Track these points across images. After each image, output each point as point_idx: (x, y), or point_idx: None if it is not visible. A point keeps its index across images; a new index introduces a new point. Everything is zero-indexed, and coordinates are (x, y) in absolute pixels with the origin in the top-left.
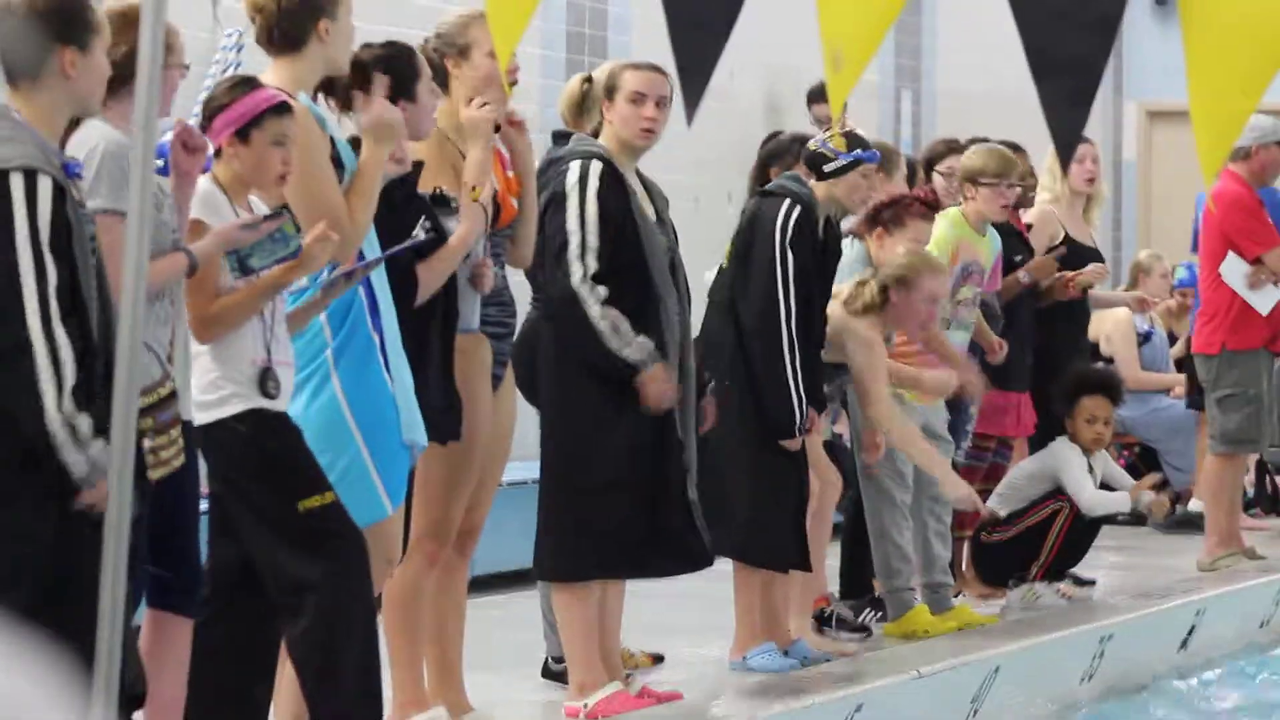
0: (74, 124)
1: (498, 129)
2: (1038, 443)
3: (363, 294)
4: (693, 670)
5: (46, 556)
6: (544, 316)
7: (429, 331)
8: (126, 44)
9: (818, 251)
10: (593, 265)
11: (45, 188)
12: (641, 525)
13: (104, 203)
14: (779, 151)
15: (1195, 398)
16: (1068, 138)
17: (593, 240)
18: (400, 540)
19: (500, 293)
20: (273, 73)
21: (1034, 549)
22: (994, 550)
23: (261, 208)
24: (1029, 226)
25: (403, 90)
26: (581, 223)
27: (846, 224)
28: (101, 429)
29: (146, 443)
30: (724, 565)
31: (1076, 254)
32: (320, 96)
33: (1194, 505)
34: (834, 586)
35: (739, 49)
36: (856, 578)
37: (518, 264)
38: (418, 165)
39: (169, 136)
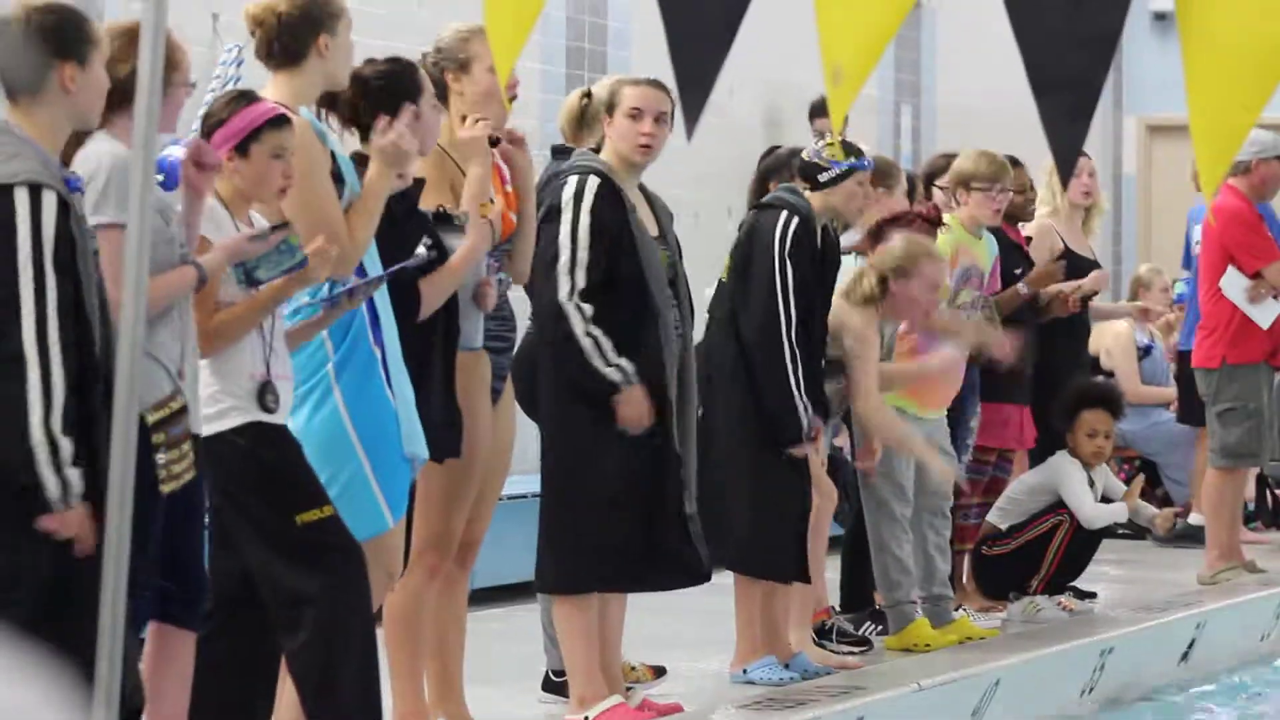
0: (79, 140)
1: (495, 144)
2: (1038, 456)
3: (364, 308)
4: (693, 683)
5: (46, 569)
6: (535, 327)
7: (431, 348)
8: (132, 61)
9: (816, 262)
10: (581, 281)
11: (50, 203)
12: (639, 540)
13: (112, 217)
14: (778, 166)
15: (1184, 412)
16: (1067, 153)
17: (583, 255)
18: (401, 554)
19: (500, 307)
20: (273, 87)
21: (1035, 562)
22: (995, 563)
23: (261, 222)
24: (1028, 240)
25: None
26: (573, 238)
27: (848, 239)
28: (93, 451)
29: (159, 457)
30: (724, 579)
31: (1076, 266)
32: (321, 113)
33: (1194, 519)
34: (834, 599)
35: (738, 64)
36: (857, 590)
37: (515, 279)
38: (419, 181)
39: (170, 151)
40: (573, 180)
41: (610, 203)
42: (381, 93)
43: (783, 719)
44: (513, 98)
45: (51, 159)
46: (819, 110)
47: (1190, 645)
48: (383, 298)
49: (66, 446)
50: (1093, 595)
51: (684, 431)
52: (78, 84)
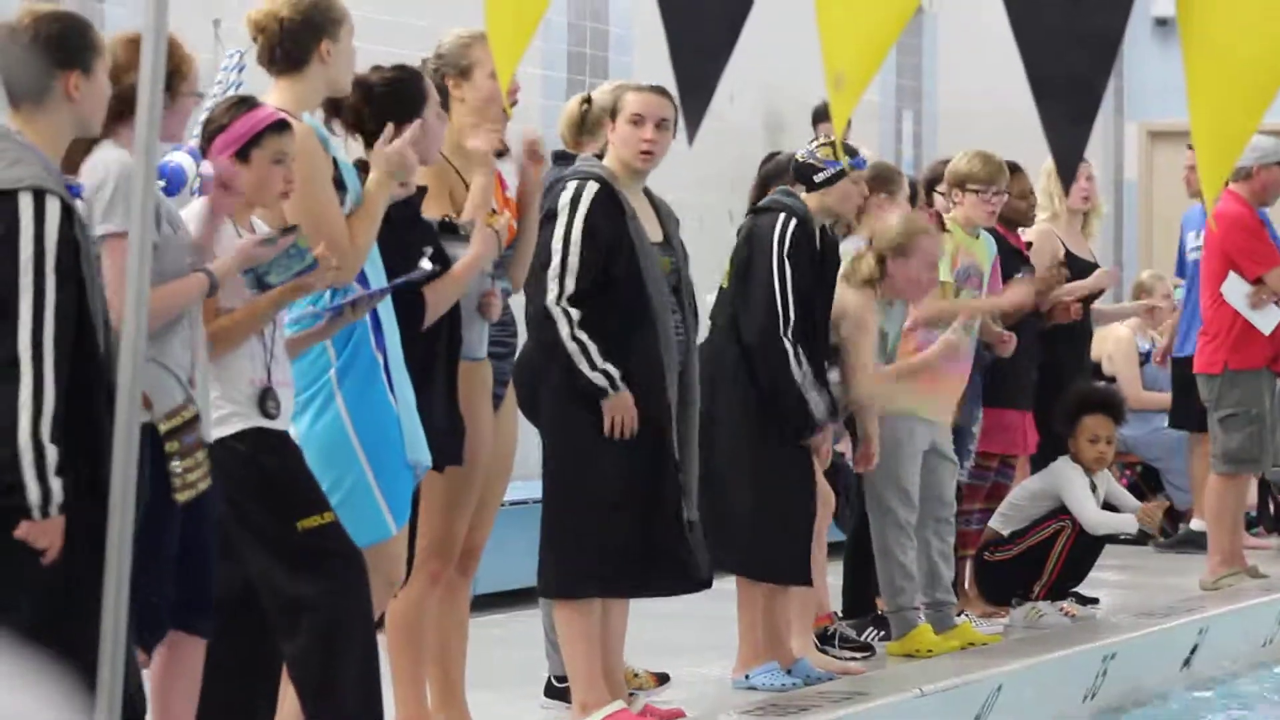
0: (87, 148)
1: (501, 155)
2: (1040, 461)
3: (367, 315)
4: (695, 689)
5: (47, 575)
6: (529, 332)
7: (434, 356)
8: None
9: (816, 263)
10: (570, 287)
11: (54, 208)
12: (638, 544)
13: (119, 225)
14: (779, 171)
15: (1177, 416)
16: (1069, 158)
17: (573, 261)
18: (404, 561)
19: (502, 313)
20: (275, 93)
21: (1037, 568)
22: (997, 569)
23: (263, 227)
24: (1029, 245)
25: (410, 115)
26: (565, 243)
27: (851, 244)
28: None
29: (173, 466)
30: (726, 584)
31: (1078, 270)
32: (329, 122)
33: (1196, 524)
34: (837, 605)
35: (739, 69)
36: (859, 596)
37: (512, 286)
38: (421, 189)
39: (172, 157)
40: (571, 186)
41: (607, 209)
42: (386, 100)
43: None
44: (514, 103)
45: (53, 165)
46: (822, 115)
47: (1193, 651)
48: (385, 305)
49: (53, 454)
50: (1095, 601)
51: (685, 437)
52: (81, 92)
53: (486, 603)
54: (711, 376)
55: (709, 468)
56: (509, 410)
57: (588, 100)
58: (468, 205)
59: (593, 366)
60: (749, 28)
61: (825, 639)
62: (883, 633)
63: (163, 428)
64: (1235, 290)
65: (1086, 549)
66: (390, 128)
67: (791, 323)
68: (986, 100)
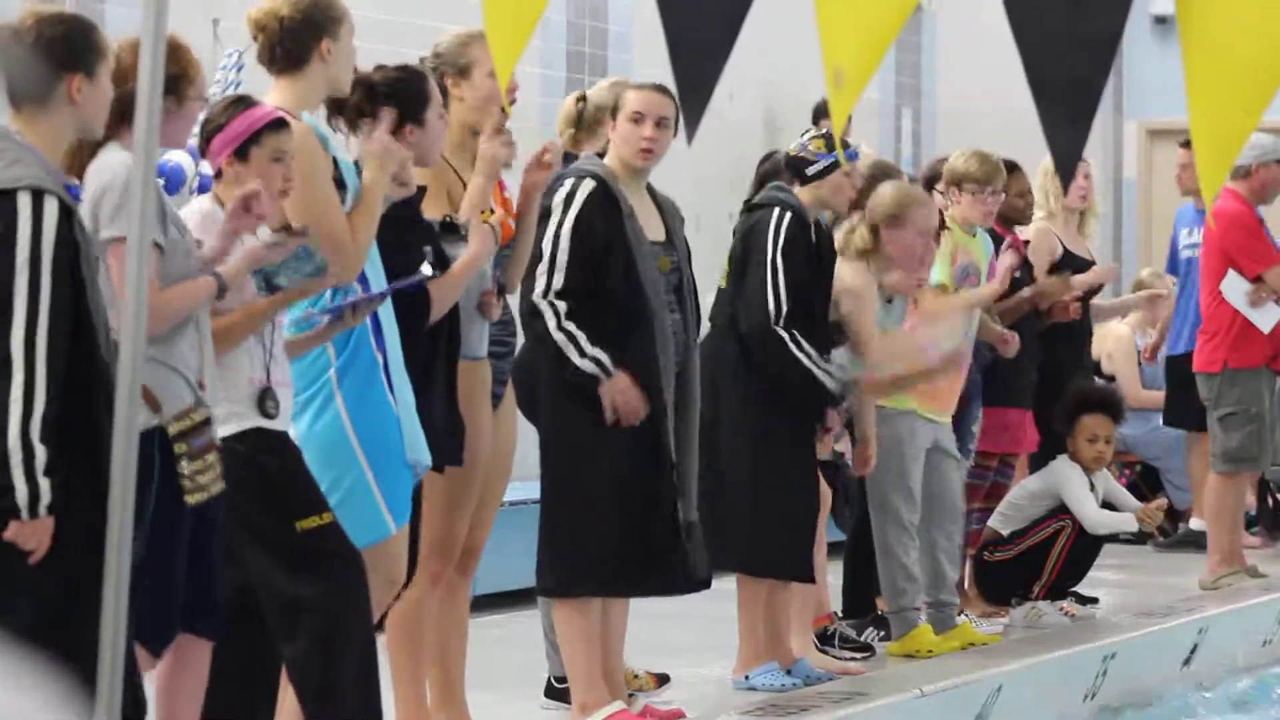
0: (93, 150)
1: (507, 166)
2: (1041, 460)
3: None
4: (695, 689)
5: (46, 578)
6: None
7: (434, 355)
8: None
9: (813, 256)
10: (558, 282)
11: (52, 209)
12: (633, 544)
13: (127, 229)
14: (776, 170)
15: (1171, 415)
16: (1068, 156)
17: (562, 258)
18: (404, 561)
19: (501, 313)
20: (275, 93)
21: (1036, 568)
22: (997, 569)
23: (264, 229)
24: (1026, 243)
25: (412, 116)
26: (555, 239)
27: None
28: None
29: (182, 468)
30: (726, 584)
31: (1076, 269)
32: (331, 120)
33: (1195, 524)
34: (836, 605)
35: (739, 68)
36: (860, 596)
37: (507, 285)
38: (421, 189)
39: (170, 156)
40: (567, 183)
41: (603, 207)
42: (388, 99)
43: None
44: (512, 102)
45: (53, 166)
46: (822, 114)
47: (1192, 650)
48: (385, 305)
49: (42, 454)
50: (1095, 600)
51: (685, 438)
52: (84, 95)
53: (486, 603)
54: (712, 375)
55: (711, 467)
56: (508, 410)
57: (583, 98)
58: (464, 205)
59: (582, 354)
60: (748, 26)
61: (825, 639)
62: (883, 633)
63: (171, 430)
64: (1235, 288)
65: (1086, 549)
66: (368, 125)
67: (784, 313)
68: (986, 99)
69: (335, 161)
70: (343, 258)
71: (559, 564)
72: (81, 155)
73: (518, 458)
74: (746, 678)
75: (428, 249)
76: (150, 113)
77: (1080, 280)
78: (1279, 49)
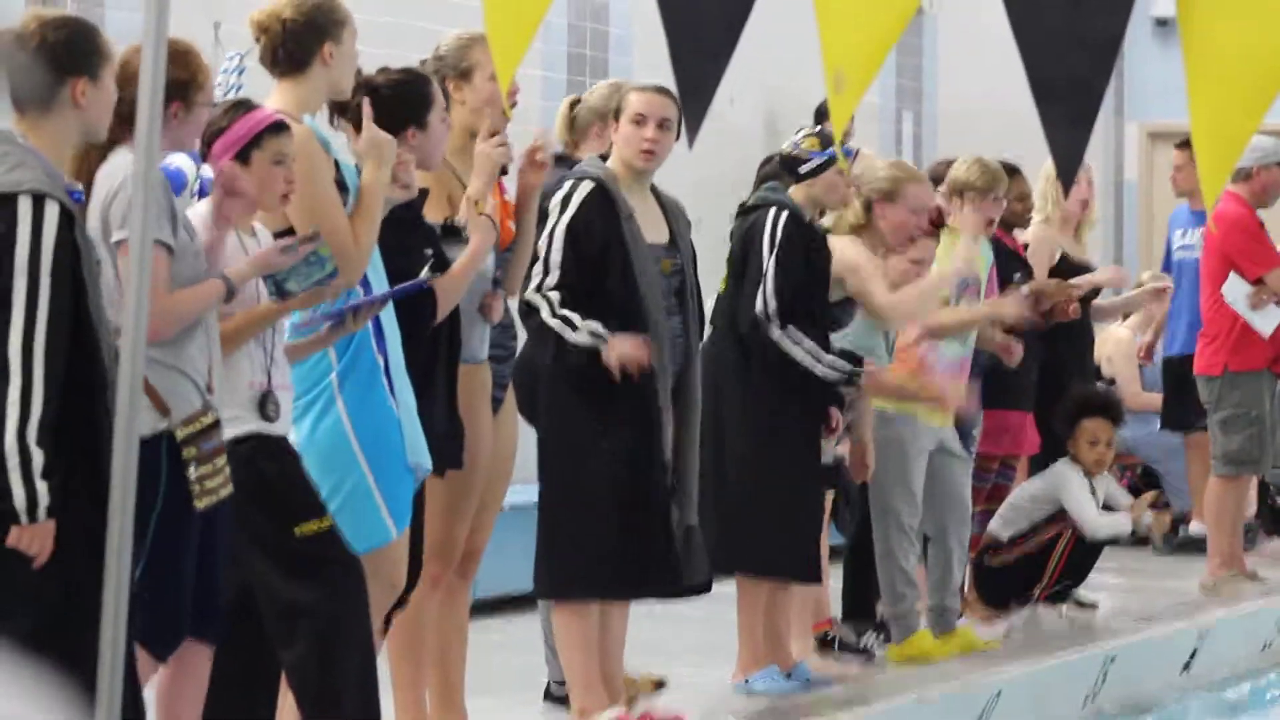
0: (103, 154)
1: (504, 172)
2: (1042, 462)
3: None
4: (695, 693)
5: (46, 583)
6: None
7: (434, 359)
8: None
9: (812, 254)
10: (551, 280)
11: (52, 213)
12: (625, 547)
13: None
14: (776, 173)
15: (1168, 417)
16: (1069, 159)
17: (556, 256)
18: (404, 566)
19: (502, 316)
20: (277, 95)
21: (1036, 571)
22: (996, 573)
23: (263, 230)
24: (1025, 246)
25: (415, 118)
26: (549, 239)
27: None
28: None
29: (190, 472)
30: (726, 588)
31: (1074, 274)
32: (334, 120)
33: (1195, 527)
34: (836, 609)
35: (739, 71)
36: (860, 600)
37: (508, 289)
38: (424, 192)
39: (170, 159)
40: (566, 185)
41: (600, 208)
42: (391, 102)
43: None
44: (513, 105)
45: (56, 170)
46: (823, 117)
47: (1192, 655)
48: (387, 308)
49: (39, 457)
50: (1094, 604)
51: (686, 441)
52: (88, 98)
53: (486, 607)
54: (715, 378)
55: (714, 469)
56: (509, 413)
57: (577, 102)
58: (462, 207)
59: (575, 330)
60: (749, 29)
61: (825, 643)
62: (883, 637)
63: (180, 434)
64: (1235, 291)
65: (1086, 552)
66: (352, 131)
67: (784, 312)
68: (987, 101)
69: (337, 164)
70: (345, 261)
71: (555, 566)
72: (91, 159)
73: (518, 461)
74: (746, 681)
75: (429, 252)
76: (151, 115)
77: (1088, 280)
78: (1279, 52)
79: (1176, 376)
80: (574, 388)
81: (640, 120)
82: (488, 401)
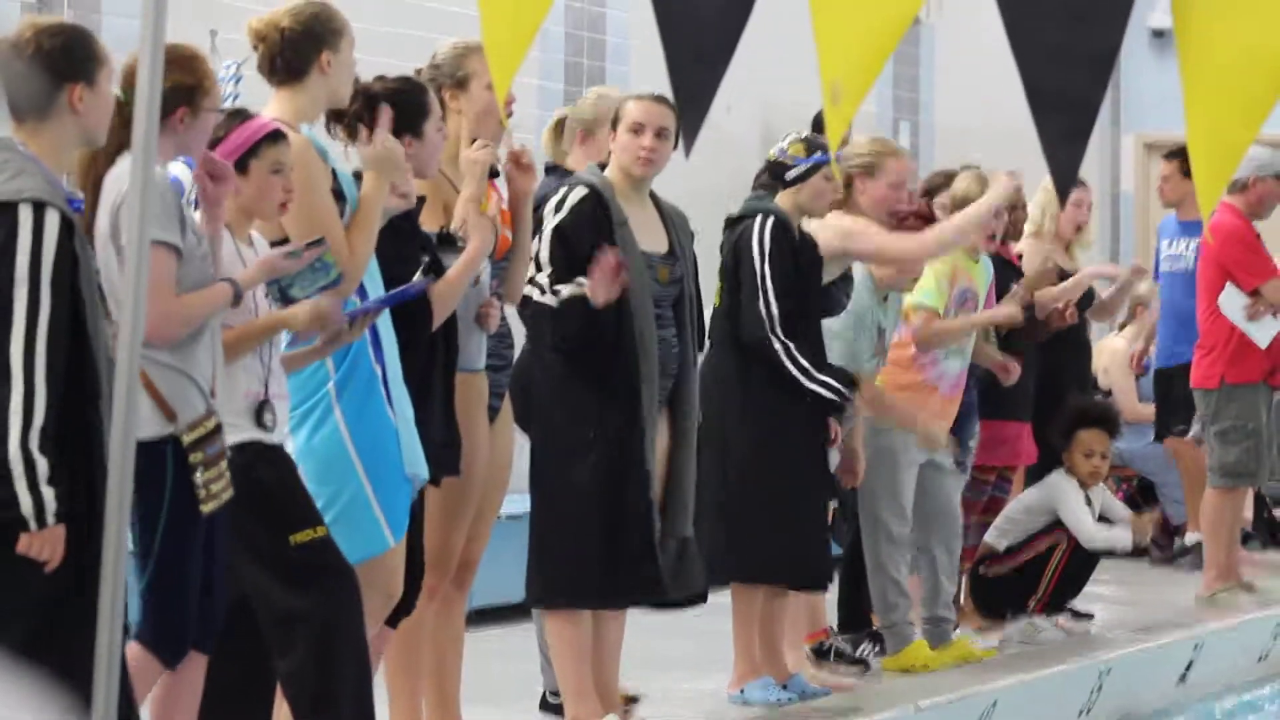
0: (110, 159)
1: (494, 175)
2: (1039, 474)
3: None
4: (690, 703)
5: (43, 591)
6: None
7: (431, 367)
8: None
9: (801, 260)
10: (544, 276)
11: (53, 222)
12: (617, 556)
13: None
14: (767, 182)
15: (1162, 428)
16: (1066, 171)
17: (544, 254)
18: (401, 575)
19: (498, 325)
20: (274, 104)
21: (1032, 582)
22: (993, 584)
23: (260, 239)
24: (1019, 257)
25: (411, 127)
26: (538, 242)
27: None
28: (93, 466)
29: (197, 477)
30: (721, 598)
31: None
32: (330, 127)
33: (1191, 538)
34: (832, 619)
35: (736, 81)
36: (855, 610)
37: (507, 298)
38: (420, 200)
39: (169, 168)
40: (560, 191)
41: (592, 214)
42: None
43: None
44: (509, 114)
45: (56, 178)
46: (820, 127)
47: (1188, 666)
48: (384, 317)
49: (43, 464)
50: (1090, 615)
51: (683, 453)
52: (85, 104)
53: (482, 616)
54: (713, 389)
55: (715, 479)
56: (505, 422)
57: (564, 121)
58: (456, 212)
59: (556, 290)
60: (746, 39)
61: (821, 654)
62: (878, 647)
63: (186, 439)
64: (1232, 303)
65: (1082, 563)
66: (364, 131)
67: (779, 319)
68: (983, 112)
69: (334, 173)
70: (342, 270)
71: (544, 574)
72: (98, 164)
73: (514, 470)
74: (741, 692)
75: (425, 259)
76: (149, 120)
77: (1091, 272)
78: (1276, 63)
79: (1164, 387)
80: (561, 397)
81: (638, 129)
82: (484, 410)
